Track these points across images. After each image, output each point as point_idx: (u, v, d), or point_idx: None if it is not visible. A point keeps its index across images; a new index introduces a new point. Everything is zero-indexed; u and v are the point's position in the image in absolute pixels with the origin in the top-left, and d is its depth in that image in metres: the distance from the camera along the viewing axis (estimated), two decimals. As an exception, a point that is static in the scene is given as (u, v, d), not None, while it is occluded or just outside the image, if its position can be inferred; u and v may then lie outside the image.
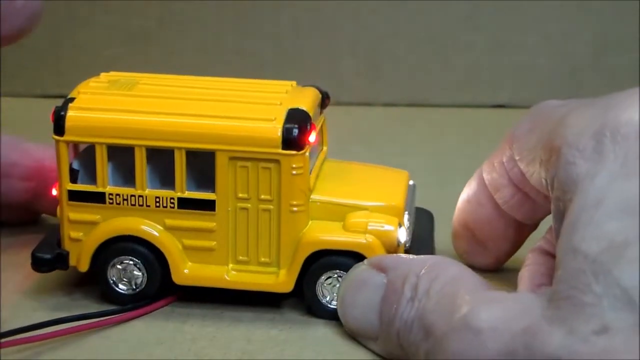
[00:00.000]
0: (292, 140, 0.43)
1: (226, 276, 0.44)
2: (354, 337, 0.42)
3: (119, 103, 0.44)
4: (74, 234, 0.45)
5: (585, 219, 0.31)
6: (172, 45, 0.80)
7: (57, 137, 0.44)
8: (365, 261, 0.42)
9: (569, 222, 0.32)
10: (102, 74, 0.48)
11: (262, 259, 0.45)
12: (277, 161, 0.43)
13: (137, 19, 0.79)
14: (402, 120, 0.77)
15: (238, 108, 0.44)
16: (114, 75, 0.48)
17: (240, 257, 0.45)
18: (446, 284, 0.37)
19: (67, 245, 0.45)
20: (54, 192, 0.46)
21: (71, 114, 0.44)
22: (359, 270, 0.42)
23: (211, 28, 0.80)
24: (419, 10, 0.79)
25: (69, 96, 0.45)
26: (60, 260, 0.45)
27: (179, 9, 0.79)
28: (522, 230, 0.47)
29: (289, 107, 0.44)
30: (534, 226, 0.47)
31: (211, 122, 0.43)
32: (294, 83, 0.48)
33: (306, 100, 0.45)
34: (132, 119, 0.44)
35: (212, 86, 0.47)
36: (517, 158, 0.42)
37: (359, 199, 0.45)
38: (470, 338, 0.33)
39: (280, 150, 0.43)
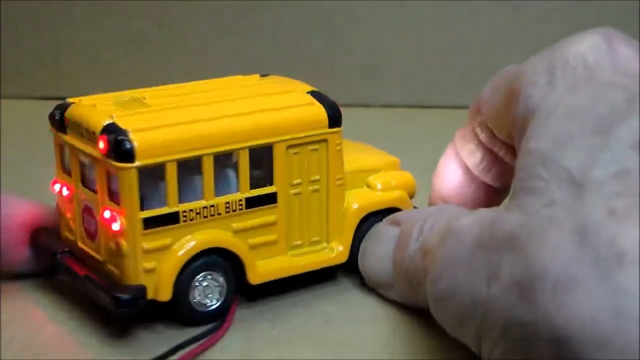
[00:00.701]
0: (336, 118, 0.46)
1: (290, 263, 0.46)
2: (376, 288, 0.47)
3: (164, 118, 0.43)
4: (148, 265, 0.42)
5: (537, 129, 0.36)
6: (172, 46, 0.80)
7: (124, 165, 0.41)
8: (383, 220, 0.47)
9: (525, 137, 0.37)
10: (79, 99, 0.46)
11: (313, 238, 0.47)
12: (325, 140, 0.46)
13: (137, 19, 0.80)
14: (402, 121, 0.77)
15: (271, 100, 0.46)
16: (98, 97, 0.46)
17: (295, 242, 0.46)
18: (447, 218, 0.41)
19: (142, 278, 0.42)
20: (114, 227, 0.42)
21: (136, 135, 0.41)
22: (378, 227, 0.47)
23: (211, 28, 0.80)
24: (418, 10, 0.79)
25: (97, 123, 0.42)
26: (141, 296, 0.42)
27: (179, 9, 0.79)
28: (493, 194, 0.49)
29: (307, 91, 0.47)
30: (506, 190, 0.48)
31: (265, 116, 0.45)
32: (256, 75, 0.50)
33: (300, 84, 0.49)
34: (198, 128, 0.43)
35: (213, 87, 0.47)
36: (485, 119, 0.45)
37: (370, 164, 0.49)
38: (452, 241, 0.38)
39: (327, 130, 0.46)
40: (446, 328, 0.39)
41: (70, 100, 0.46)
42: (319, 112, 0.46)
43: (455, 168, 0.49)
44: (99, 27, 0.80)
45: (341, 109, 0.47)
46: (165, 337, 0.43)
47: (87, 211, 0.44)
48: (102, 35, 0.80)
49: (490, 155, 0.47)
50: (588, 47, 0.38)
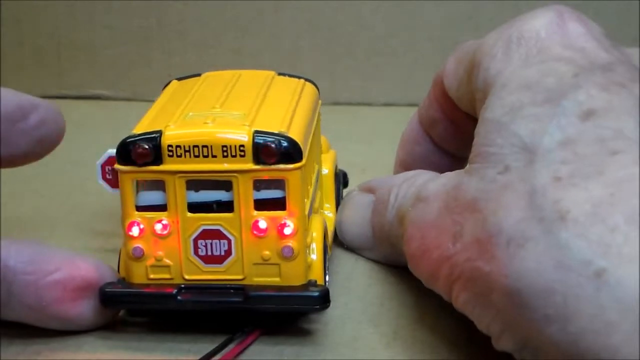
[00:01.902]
0: None
1: None
2: (354, 251, 0.50)
3: (276, 119, 0.44)
4: (309, 260, 0.44)
5: (493, 99, 0.39)
6: (172, 46, 0.80)
7: (296, 165, 0.42)
8: (355, 187, 0.51)
9: (483, 107, 0.40)
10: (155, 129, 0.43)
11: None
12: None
13: (137, 19, 0.79)
14: (402, 120, 0.76)
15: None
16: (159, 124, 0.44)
17: None
18: (418, 185, 0.44)
19: (307, 276, 0.43)
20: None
21: (291, 135, 0.42)
22: (352, 194, 0.51)
23: (211, 28, 0.80)
24: (418, 10, 0.79)
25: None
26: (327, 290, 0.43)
27: (178, 9, 0.79)
28: (456, 163, 0.51)
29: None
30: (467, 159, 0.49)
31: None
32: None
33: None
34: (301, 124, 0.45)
35: (232, 80, 0.49)
36: (448, 90, 0.48)
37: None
38: (421, 206, 0.42)
39: None
40: (422, 281, 0.42)
41: (137, 131, 0.43)
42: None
43: (420, 138, 0.52)
44: (99, 26, 0.80)
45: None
46: (166, 339, 0.43)
47: (207, 236, 0.43)
48: (103, 34, 0.80)
49: (452, 125, 0.50)
50: (542, 22, 0.41)
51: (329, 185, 0.52)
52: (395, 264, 0.48)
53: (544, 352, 0.35)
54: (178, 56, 0.80)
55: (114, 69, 0.80)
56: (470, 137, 0.47)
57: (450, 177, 0.41)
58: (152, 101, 0.48)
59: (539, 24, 0.41)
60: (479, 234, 0.37)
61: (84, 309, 0.43)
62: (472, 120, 0.46)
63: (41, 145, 0.46)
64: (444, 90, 0.49)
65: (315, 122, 0.49)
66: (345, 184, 0.56)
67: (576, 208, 0.34)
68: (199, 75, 0.51)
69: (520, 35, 0.40)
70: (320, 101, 0.51)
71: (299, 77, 0.51)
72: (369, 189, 0.49)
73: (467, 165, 0.40)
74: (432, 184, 0.42)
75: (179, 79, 0.51)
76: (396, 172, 0.54)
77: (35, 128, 0.45)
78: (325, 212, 0.51)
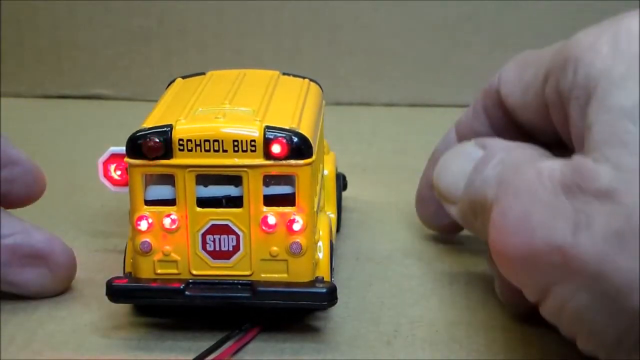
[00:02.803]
0: None
1: None
2: (440, 199, 0.47)
3: (284, 114, 0.44)
4: (316, 256, 0.44)
5: (614, 90, 0.37)
6: (172, 45, 0.80)
7: (307, 161, 0.42)
8: (472, 140, 0.47)
9: (597, 97, 0.38)
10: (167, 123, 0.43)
11: None
12: None
13: (137, 18, 0.80)
14: (402, 120, 0.77)
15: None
16: (170, 118, 0.44)
17: None
18: (524, 155, 0.42)
19: (314, 272, 0.43)
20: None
21: (302, 131, 0.42)
22: (465, 144, 0.47)
23: (211, 28, 0.80)
24: (419, 10, 0.79)
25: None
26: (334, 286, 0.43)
27: (179, 9, 0.79)
28: None
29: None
30: None
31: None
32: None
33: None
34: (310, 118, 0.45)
35: (237, 79, 0.49)
36: (507, 97, 0.46)
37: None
38: (531, 177, 0.38)
39: None
40: (500, 261, 0.39)
41: (147, 125, 0.43)
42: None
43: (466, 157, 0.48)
44: (100, 26, 0.80)
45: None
46: (166, 337, 0.43)
47: (215, 231, 0.43)
48: (103, 34, 0.80)
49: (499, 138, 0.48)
50: None
51: (330, 187, 0.52)
52: (466, 228, 0.46)
53: None
54: (178, 56, 0.80)
55: (114, 69, 0.81)
56: None
57: (564, 161, 0.39)
58: (153, 101, 0.48)
59: None
60: (620, 227, 0.35)
61: (30, 277, 0.46)
62: (522, 131, 0.46)
63: (7, 197, 0.47)
64: (496, 101, 0.48)
65: (321, 121, 0.49)
66: (345, 187, 0.56)
67: None
68: (203, 73, 0.51)
69: (629, 33, 0.39)
70: (324, 101, 0.51)
71: (303, 77, 0.51)
72: (481, 145, 0.46)
73: (582, 154, 0.38)
74: (548, 161, 0.40)
75: (184, 77, 0.51)
76: (422, 195, 0.53)
77: (4, 181, 0.46)
78: (328, 212, 0.51)
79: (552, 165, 0.38)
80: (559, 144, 0.43)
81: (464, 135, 0.50)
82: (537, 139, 0.45)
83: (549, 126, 0.43)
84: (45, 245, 0.46)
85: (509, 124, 0.48)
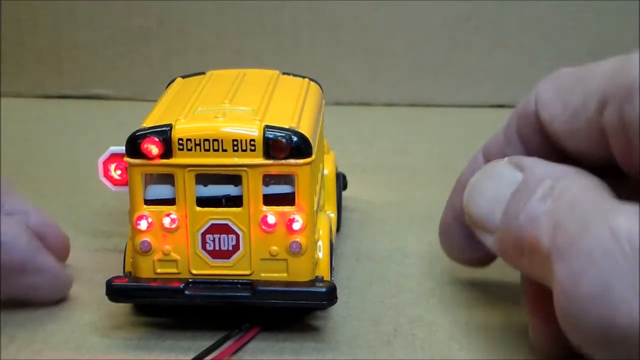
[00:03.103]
0: None
1: None
2: (472, 226, 0.42)
3: (284, 114, 0.44)
4: (316, 256, 0.44)
5: None
6: (172, 45, 0.80)
7: (306, 161, 0.42)
8: (506, 158, 0.42)
9: None
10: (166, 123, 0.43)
11: None
12: None
13: (137, 18, 0.80)
14: (402, 120, 0.77)
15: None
16: (169, 117, 0.44)
17: None
18: (581, 190, 0.38)
19: (314, 272, 0.43)
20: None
21: (302, 131, 0.42)
22: (498, 163, 0.42)
23: (211, 28, 0.80)
24: (419, 10, 0.79)
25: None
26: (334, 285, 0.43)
27: (179, 9, 0.79)
28: None
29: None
30: None
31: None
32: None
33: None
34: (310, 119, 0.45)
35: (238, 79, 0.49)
36: (549, 122, 0.42)
37: None
38: (605, 234, 0.34)
39: None
40: (572, 332, 0.35)
41: (146, 125, 0.43)
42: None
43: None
44: (100, 26, 0.80)
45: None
46: (166, 337, 0.43)
47: (215, 230, 0.43)
48: (103, 34, 0.80)
49: None
50: None
51: (330, 187, 0.52)
52: (504, 259, 0.41)
53: None
54: (178, 56, 0.80)
55: (114, 69, 0.81)
56: None
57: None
58: (153, 101, 0.48)
59: None
60: None
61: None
62: (563, 156, 0.42)
63: (30, 300, 0.46)
64: (535, 126, 0.43)
65: (321, 120, 0.49)
66: (345, 186, 0.56)
67: None
68: (203, 73, 0.51)
69: None
70: (324, 101, 0.51)
71: (303, 77, 0.51)
72: (517, 166, 0.41)
73: None
74: (624, 215, 0.35)
75: (184, 77, 0.51)
76: (446, 225, 0.47)
77: (29, 288, 0.45)
78: (328, 212, 0.51)
79: (629, 225, 0.34)
80: (605, 168, 0.40)
81: (492, 159, 0.45)
82: (581, 163, 0.41)
83: (600, 153, 0.40)
84: (40, 228, 0.46)
85: (549, 149, 0.43)
